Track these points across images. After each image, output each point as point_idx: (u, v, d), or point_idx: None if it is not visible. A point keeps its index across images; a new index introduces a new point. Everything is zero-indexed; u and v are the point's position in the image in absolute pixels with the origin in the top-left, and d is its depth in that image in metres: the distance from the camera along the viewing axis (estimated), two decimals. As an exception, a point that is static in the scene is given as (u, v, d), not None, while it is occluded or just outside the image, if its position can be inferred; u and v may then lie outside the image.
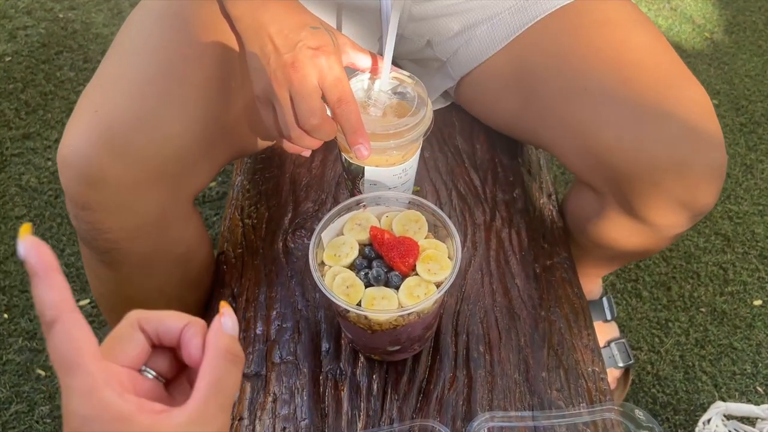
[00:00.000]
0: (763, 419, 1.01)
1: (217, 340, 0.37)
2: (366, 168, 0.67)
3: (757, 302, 1.20)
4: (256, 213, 0.81)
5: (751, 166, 1.42)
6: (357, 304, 0.57)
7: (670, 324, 1.17)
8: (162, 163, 0.62)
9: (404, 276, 0.59)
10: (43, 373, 1.08)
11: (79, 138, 0.60)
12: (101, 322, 1.14)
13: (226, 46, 0.67)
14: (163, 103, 0.62)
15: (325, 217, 0.61)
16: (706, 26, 1.77)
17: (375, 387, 0.64)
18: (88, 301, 1.17)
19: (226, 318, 0.37)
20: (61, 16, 1.75)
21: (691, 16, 1.81)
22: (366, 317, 0.57)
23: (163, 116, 0.62)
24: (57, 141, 1.44)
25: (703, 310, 1.19)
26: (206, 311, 0.76)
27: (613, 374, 1.06)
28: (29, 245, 0.34)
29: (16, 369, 1.09)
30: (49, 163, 1.40)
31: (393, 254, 0.59)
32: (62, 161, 0.61)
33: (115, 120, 0.61)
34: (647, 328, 1.17)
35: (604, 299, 1.06)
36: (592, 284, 1.02)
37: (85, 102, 0.63)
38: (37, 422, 1.03)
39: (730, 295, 1.21)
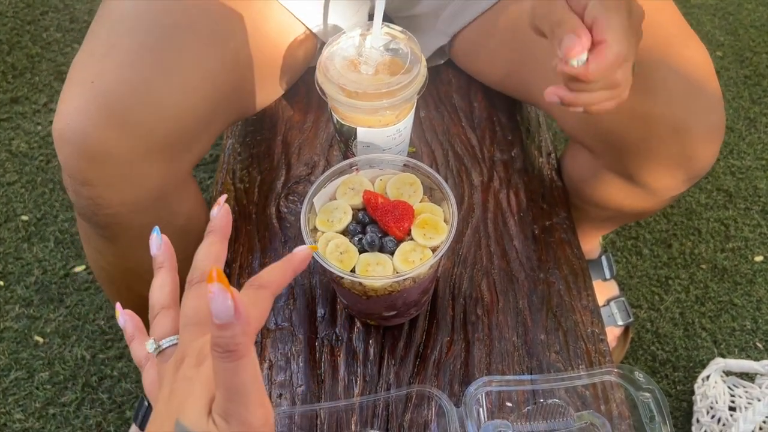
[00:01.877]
0: (762, 375, 1.01)
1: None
2: (358, 129, 0.65)
3: (759, 258, 1.19)
4: (248, 177, 0.79)
5: (754, 120, 1.39)
6: (351, 271, 0.56)
7: (670, 281, 1.16)
8: (163, 135, 0.60)
9: (399, 241, 0.57)
10: (41, 339, 1.08)
11: (76, 112, 0.58)
12: (97, 288, 1.13)
13: (219, 9, 0.64)
14: (160, 72, 0.60)
15: (317, 182, 0.59)
16: (711, -25, 1.72)
17: (371, 352, 0.63)
18: (83, 267, 1.16)
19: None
20: (44, -26, 1.69)
21: (695, -36, 1.75)
22: (360, 283, 0.56)
23: (161, 86, 0.60)
24: (46, 105, 1.41)
25: (703, 266, 1.18)
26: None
27: (612, 333, 1.05)
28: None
29: (14, 336, 1.08)
30: (39, 127, 1.37)
31: (387, 219, 0.57)
32: (59, 136, 0.59)
33: (112, 92, 0.58)
34: (647, 285, 1.16)
35: (603, 258, 1.05)
36: (590, 244, 1.01)
37: (78, 73, 0.60)
38: (37, 388, 1.03)
39: (731, 252, 1.20)
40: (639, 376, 0.57)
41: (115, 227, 0.64)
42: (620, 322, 1.05)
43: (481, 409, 0.57)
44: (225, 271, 0.71)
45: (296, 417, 0.58)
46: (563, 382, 0.60)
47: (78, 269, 1.16)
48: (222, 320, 0.30)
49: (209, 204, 0.79)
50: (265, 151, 0.81)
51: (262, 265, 0.70)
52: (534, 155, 0.81)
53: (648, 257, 1.19)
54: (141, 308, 0.78)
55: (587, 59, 0.48)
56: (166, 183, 0.64)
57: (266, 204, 0.76)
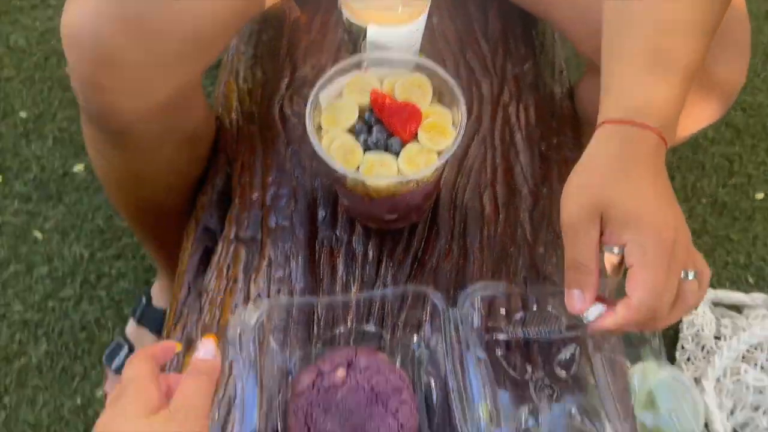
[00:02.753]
0: (750, 307, 1.03)
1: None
2: (369, 28, 0.63)
3: (759, 195, 1.19)
4: (252, 77, 0.77)
5: (772, 56, 1.36)
6: (355, 170, 0.55)
7: (669, 213, 1.16)
8: (180, 41, 0.58)
9: (405, 143, 0.57)
10: (40, 235, 1.09)
11: (87, 13, 0.55)
12: (96, 189, 1.13)
13: None
14: None
15: (324, 77, 0.58)
16: None
17: (370, 254, 0.64)
18: (83, 166, 1.15)
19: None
20: None
21: None
22: (364, 183, 0.56)
23: None
24: (44, 1, 1.36)
25: (704, 200, 1.18)
26: (203, 177, 0.74)
27: (610, 260, 1.06)
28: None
29: (13, 231, 1.09)
30: (37, 23, 1.33)
31: (394, 120, 0.56)
32: (69, 38, 0.56)
33: None
34: (646, 216, 1.16)
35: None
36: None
37: None
38: (36, 282, 1.05)
39: (733, 187, 1.20)
40: None
41: (125, 134, 0.63)
42: (616, 251, 1.06)
43: (474, 313, 0.57)
44: (226, 171, 0.71)
45: (294, 311, 0.59)
46: (557, 293, 0.60)
47: (77, 168, 1.15)
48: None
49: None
50: (269, 52, 0.79)
51: (264, 165, 0.70)
52: (546, 72, 0.79)
53: (649, 188, 1.19)
54: (144, 211, 0.79)
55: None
56: (179, 90, 0.62)
57: (270, 104, 0.74)
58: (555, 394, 0.57)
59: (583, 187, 0.49)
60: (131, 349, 0.92)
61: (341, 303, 0.59)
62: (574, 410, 0.56)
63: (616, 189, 0.48)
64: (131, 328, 0.97)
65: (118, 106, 0.59)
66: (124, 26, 0.55)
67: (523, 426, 0.55)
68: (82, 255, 1.07)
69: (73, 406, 0.95)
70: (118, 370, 0.86)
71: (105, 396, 0.96)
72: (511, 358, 0.58)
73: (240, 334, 0.54)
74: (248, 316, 0.55)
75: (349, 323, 0.59)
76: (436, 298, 0.56)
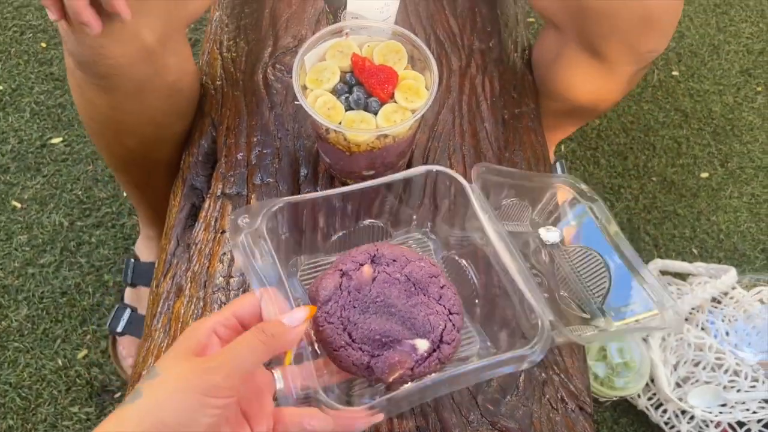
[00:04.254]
0: (693, 275, 1.12)
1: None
2: (348, 0, 0.68)
3: (704, 174, 1.28)
4: (236, 47, 0.82)
5: (717, 47, 1.45)
6: (338, 124, 0.60)
7: (622, 190, 1.25)
8: None
9: (383, 103, 0.62)
10: (18, 205, 1.11)
11: None
12: (74, 160, 1.15)
13: None
14: None
15: (309, 41, 0.63)
16: None
17: (349, 209, 0.69)
18: (61, 139, 1.18)
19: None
20: None
21: None
22: (345, 137, 0.61)
23: None
24: (18, -25, 1.37)
25: (654, 179, 1.27)
26: (188, 139, 0.78)
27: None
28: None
29: (-9, 200, 1.11)
30: (12, -2, 1.34)
31: (373, 81, 0.62)
32: None
33: None
34: (601, 193, 1.24)
35: (557, 163, 1.12)
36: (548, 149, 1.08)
37: None
38: (16, 249, 1.07)
39: (681, 167, 1.29)
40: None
41: (113, 78, 0.67)
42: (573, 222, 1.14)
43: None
44: (211, 133, 0.75)
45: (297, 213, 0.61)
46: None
47: (55, 141, 1.18)
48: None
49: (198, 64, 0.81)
50: (252, 23, 0.83)
51: (249, 127, 0.74)
52: (510, 48, 0.86)
53: (605, 167, 1.27)
54: (128, 160, 0.83)
55: None
56: (165, 35, 0.66)
57: (253, 72, 0.79)
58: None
59: None
60: (134, 311, 0.95)
61: (339, 200, 0.59)
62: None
63: None
64: (128, 292, 1.00)
65: (109, 49, 0.63)
66: None
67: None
68: (62, 223, 1.10)
69: (55, 367, 0.98)
70: (124, 332, 0.89)
71: (114, 357, 0.99)
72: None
73: (245, 243, 0.51)
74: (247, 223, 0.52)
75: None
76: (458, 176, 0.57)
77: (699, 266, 1.12)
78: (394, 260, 0.53)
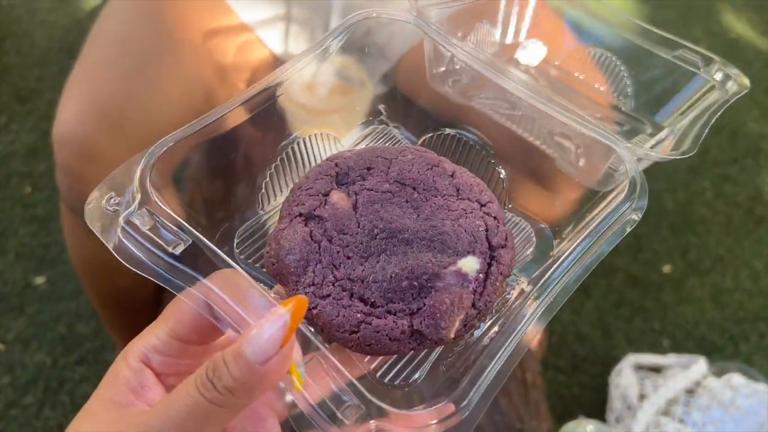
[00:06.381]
0: (666, 367, 1.15)
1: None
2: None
3: (666, 268, 1.34)
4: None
5: (663, 148, 1.57)
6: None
7: (590, 288, 1.30)
8: (151, 140, 0.70)
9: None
10: (2, 346, 1.12)
11: (75, 118, 0.67)
12: (58, 298, 1.18)
13: (195, 30, 0.74)
14: (147, 86, 0.70)
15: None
16: None
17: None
18: (44, 279, 1.21)
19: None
20: (4, 3, 1.75)
21: None
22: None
23: (148, 98, 0.70)
24: (6, 126, 1.46)
25: (620, 275, 1.33)
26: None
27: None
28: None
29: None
30: (0, 147, 1.42)
31: None
32: (60, 139, 0.67)
33: (106, 102, 0.68)
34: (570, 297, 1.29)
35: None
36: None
37: (75, 87, 0.69)
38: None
39: (643, 263, 1.35)
40: None
41: None
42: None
43: None
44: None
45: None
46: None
47: (39, 281, 1.21)
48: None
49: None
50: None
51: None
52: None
53: (571, 267, 1.33)
54: (119, 299, 0.86)
55: None
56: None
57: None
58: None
59: None
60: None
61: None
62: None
63: None
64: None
65: None
66: (105, 126, 0.67)
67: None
68: (45, 362, 1.11)
69: None
70: None
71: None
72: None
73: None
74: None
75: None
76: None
77: (671, 358, 1.15)
78: (368, 168, 0.37)
